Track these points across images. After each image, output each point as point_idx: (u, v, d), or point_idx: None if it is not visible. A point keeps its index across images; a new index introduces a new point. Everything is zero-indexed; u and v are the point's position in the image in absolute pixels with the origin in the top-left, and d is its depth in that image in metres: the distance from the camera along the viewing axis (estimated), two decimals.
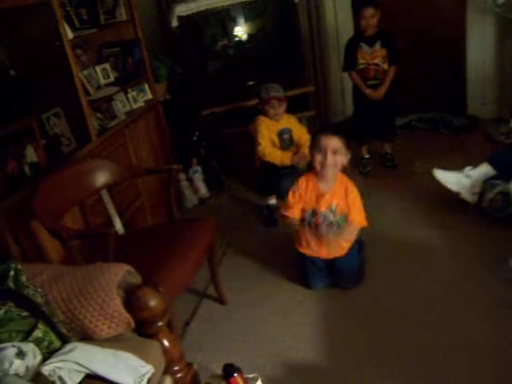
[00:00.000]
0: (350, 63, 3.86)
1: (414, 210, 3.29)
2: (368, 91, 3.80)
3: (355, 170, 4.03)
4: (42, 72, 2.67)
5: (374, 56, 3.75)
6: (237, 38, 4.34)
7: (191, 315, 2.68)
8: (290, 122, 3.61)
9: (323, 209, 2.59)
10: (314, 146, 2.59)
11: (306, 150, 3.50)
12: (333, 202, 2.58)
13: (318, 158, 2.55)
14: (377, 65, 3.76)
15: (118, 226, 2.69)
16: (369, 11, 3.63)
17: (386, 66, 3.76)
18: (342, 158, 2.56)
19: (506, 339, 2.16)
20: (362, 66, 3.79)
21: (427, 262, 2.78)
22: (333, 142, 2.51)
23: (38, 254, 2.28)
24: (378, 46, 3.73)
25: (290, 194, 2.70)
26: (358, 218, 2.60)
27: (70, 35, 2.75)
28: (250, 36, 4.37)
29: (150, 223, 3.30)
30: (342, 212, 2.59)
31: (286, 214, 2.70)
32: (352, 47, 3.83)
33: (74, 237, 2.16)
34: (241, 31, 4.33)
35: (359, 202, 2.62)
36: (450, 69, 4.72)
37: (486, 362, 2.08)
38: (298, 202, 2.66)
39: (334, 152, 2.51)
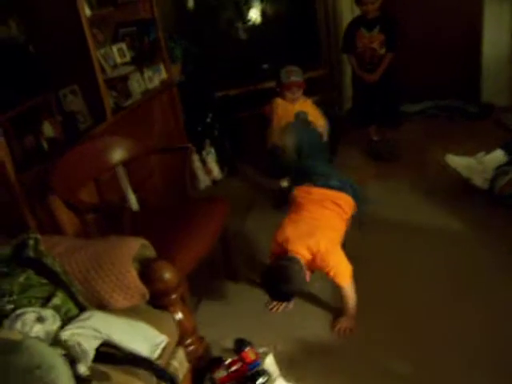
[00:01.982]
0: (348, 45, 3.87)
1: (426, 195, 3.29)
2: (364, 75, 3.82)
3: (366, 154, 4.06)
4: (59, 49, 2.69)
5: (372, 40, 3.74)
6: (252, 20, 4.34)
7: (204, 292, 2.72)
8: (305, 105, 3.62)
9: None
10: None
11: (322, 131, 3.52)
12: None
13: None
14: (374, 49, 3.75)
15: (133, 202, 2.73)
16: None
17: (383, 52, 3.75)
18: None
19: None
20: (359, 49, 3.80)
21: (436, 245, 2.80)
22: None
23: (55, 227, 2.32)
24: (376, 30, 3.72)
25: None
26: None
27: (88, 13, 2.76)
28: (265, 18, 4.37)
29: (163, 202, 3.33)
30: None
31: None
32: (352, 30, 3.84)
33: (90, 210, 2.20)
34: (256, 13, 4.33)
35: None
36: (464, 56, 4.69)
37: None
38: None
39: None
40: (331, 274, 2.25)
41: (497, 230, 2.83)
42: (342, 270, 2.27)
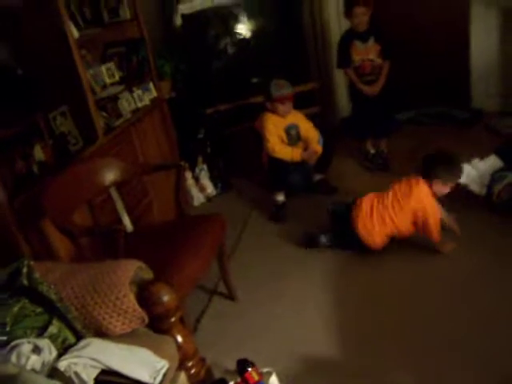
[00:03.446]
0: (344, 60, 3.85)
1: None
2: (364, 88, 3.79)
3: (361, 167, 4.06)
4: (48, 72, 2.67)
5: (368, 51, 3.74)
6: (240, 36, 4.34)
7: (202, 312, 2.67)
8: (296, 118, 3.61)
9: None
10: None
11: (315, 146, 3.51)
12: None
13: None
14: (372, 60, 3.75)
15: (127, 223, 2.69)
16: (360, 9, 3.62)
17: (380, 61, 3.75)
18: None
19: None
20: (357, 63, 3.78)
21: (430, 255, 2.79)
22: None
23: (48, 252, 2.28)
24: (371, 41, 3.72)
25: None
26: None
27: (76, 35, 2.74)
28: (253, 33, 4.38)
29: (158, 221, 3.29)
30: None
31: None
32: (345, 44, 3.82)
33: (84, 234, 2.16)
34: (244, 28, 4.34)
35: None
36: (453, 62, 4.70)
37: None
38: None
39: None
40: None
41: (496, 235, 2.82)
42: None
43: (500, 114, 4.46)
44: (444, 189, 2.76)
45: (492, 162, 3.05)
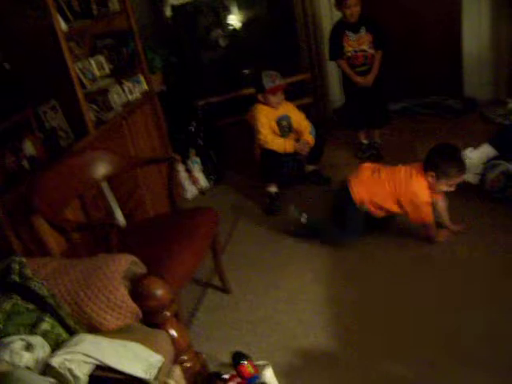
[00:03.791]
0: (336, 52, 3.83)
1: None
2: (357, 79, 3.78)
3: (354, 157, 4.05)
4: (37, 66, 2.64)
5: (360, 42, 3.72)
6: (231, 27, 4.31)
7: (197, 305, 2.66)
8: (288, 109, 3.60)
9: None
10: None
11: (307, 137, 3.50)
12: None
13: None
14: (364, 51, 3.73)
15: (120, 217, 2.67)
16: (352, 0, 3.60)
17: (373, 52, 3.73)
18: None
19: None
20: (349, 54, 3.76)
21: (424, 245, 2.80)
22: None
23: (40, 248, 2.25)
24: (363, 31, 3.70)
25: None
26: None
27: (64, 27, 2.71)
28: (244, 24, 4.34)
29: (150, 215, 3.27)
30: None
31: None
32: (337, 35, 3.80)
33: (76, 229, 2.14)
34: (235, 19, 4.30)
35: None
36: (446, 51, 4.70)
37: None
38: None
39: None
40: None
41: (490, 223, 2.84)
42: None
43: (493, 102, 4.46)
44: (448, 186, 2.69)
45: (485, 151, 3.04)
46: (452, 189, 2.69)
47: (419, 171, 2.70)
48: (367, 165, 2.94)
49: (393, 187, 2.73)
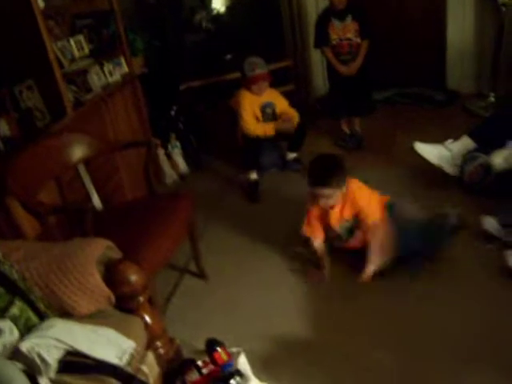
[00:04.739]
0: (321, 39, 3.80)
1: (397, 183, 3.27)
2: (341, 68, 3.76)
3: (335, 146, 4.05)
4: (13, 44, 2.57)
5: (345, 31, 3.68)
6: (215, 11, 4.26)
7: (172, 291, 2.65)
8: (272, 96, 3.58)
9: (336, 224, 2.55)
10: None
11: (292, 113, 3.49)
12: (343, 216, 2.53)
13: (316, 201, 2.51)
14: (350, 39, 3.70)
15: (96, 201, 2.64)
16: None
17: (359, 40, 3.70)
18: (336, 191, 2.44)
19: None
20: (334, 42, 3.73)
21: None
22: (322, 192, 2.44)
23: (14, 231, 2.21)
24: (349, 19, 3.67)
25: (305, 226, 2.63)
26: (372, 218, 2.47)
27: (42, 4, 2.64)
28: (228, 8, 4.30)
29: (128, 199, 3.24)
30: (354, 215, 2.53)
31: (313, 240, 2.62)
32: (322, 23, 3.76)
33: (51, 212, 2.10)
34: (219, 3, 4.25)
35: (369, 202, 2.50)
36: (429, 44, 4.71)
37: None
38: (315, 227, 2.61)
39: (326, 197, 2.45)
40: (359, 205, 2.45)
41: (469, 214, 2.82)
42: (372, 208, 2.47)
43: (475, 95, 4.49)
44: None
45: (465, 143, 3.05)
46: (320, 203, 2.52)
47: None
48: None
49: None
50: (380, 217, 2.48)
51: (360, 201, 2.48)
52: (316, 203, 2.51)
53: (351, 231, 2.57)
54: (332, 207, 2.51)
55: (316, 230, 2.61)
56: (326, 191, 2.42)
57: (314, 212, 2.59)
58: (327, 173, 2.42)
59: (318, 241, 2.61)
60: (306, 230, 2.63)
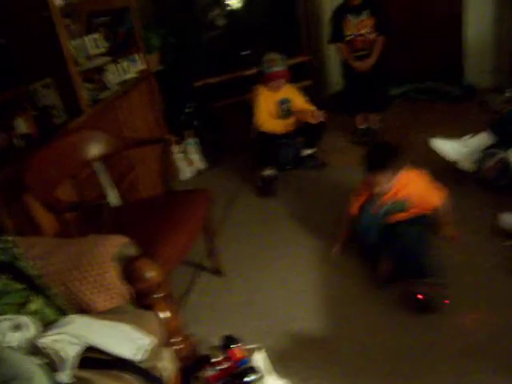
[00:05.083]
0: (336, 35, 3.77)
1: None
2: (356, 64, 3.73)
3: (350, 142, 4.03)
4: (31, 42, 2.59)
5: (360, 26, 3.65)
6: (229, 7, 4.25)
7: (188, 287, 2.66)
8: (289, 92, 3.58)
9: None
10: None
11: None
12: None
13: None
14: (363, 35, 3.66)
15: (113, 197, 2.65)
16: None
17: (373, 36, 3.66)
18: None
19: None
20: (348, 38, 3.71)
21: None
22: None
23: (32, 227, 2.23)
24: (365, 14, 3.63)
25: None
26: (434, 201, 2.54)
27: (59, 2, 2.66)
28: (243, 4, 4.28)
29: (144, 196, 3.25)
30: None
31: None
32: (338, 18, 3.74)
33: (68, 209, 2.11)
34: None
35: (426, 188, 2.55)
36: (447, 38, 4.65)
37: None
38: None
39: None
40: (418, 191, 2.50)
41: (486, 211, 2.80)
42: (430, 193, 2.54)
43: (492, 90, 4.42)
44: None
45: (483, 139, 3.01)
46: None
47: None
48: None
49: None
50: (439, 196, 2.54)
51: (417, 189, 2.51)
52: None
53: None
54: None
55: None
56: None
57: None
58: (386, 157, 2.47)
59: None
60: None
